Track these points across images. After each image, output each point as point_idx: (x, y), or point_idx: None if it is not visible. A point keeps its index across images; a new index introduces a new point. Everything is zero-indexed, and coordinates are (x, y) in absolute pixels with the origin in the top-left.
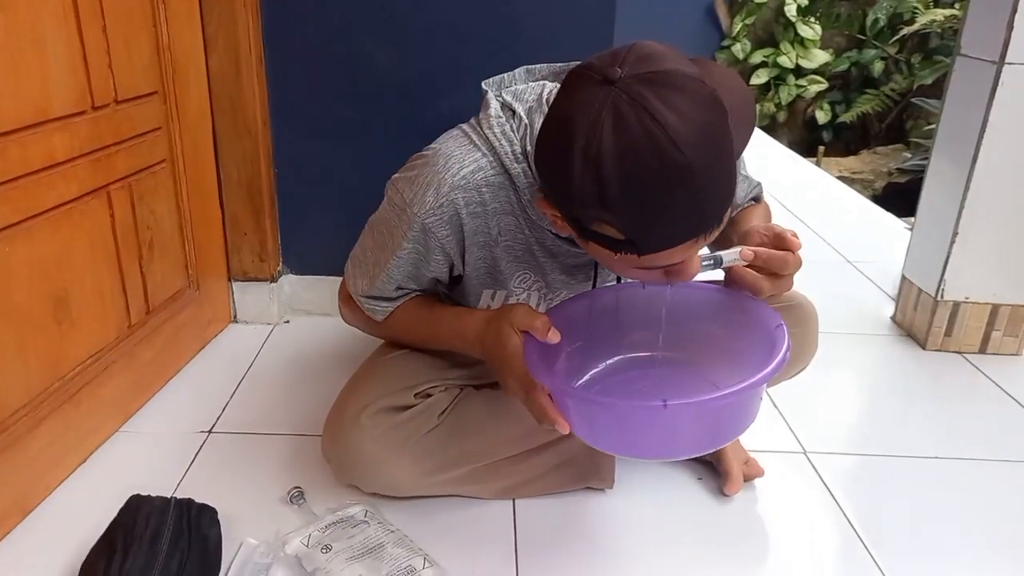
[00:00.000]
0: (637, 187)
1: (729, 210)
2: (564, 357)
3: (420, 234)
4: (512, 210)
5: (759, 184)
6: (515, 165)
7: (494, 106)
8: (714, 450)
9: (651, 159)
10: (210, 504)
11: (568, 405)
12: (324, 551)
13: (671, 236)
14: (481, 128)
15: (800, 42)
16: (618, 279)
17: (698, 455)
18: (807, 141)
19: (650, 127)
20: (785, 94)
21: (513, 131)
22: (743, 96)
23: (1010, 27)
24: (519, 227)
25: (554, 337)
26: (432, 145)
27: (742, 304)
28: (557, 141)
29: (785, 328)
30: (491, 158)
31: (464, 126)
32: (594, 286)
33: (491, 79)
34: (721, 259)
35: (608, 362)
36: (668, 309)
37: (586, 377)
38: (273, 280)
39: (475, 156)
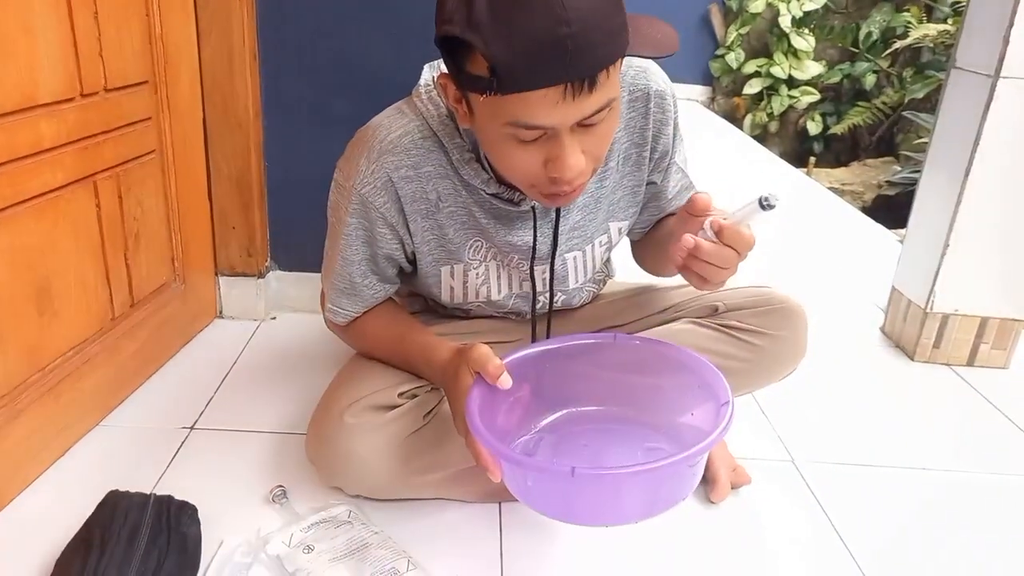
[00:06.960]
0: (501, 4)
1: (611, 68)
2: (515, 406)
3: (360, 207)
4: (446, 173)
5: (692, 186)
6: (442, 127)
7: (424, 76)
8: (636, 520)
9: None
10: (190, 501)
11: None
12: (306, 551)
13: (534, 71)
14: (411, 98)
15: (793, 53)
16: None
17: (620, 524)
18: (798, 151)
19: None
20: (777, 104)
21: (441, 97)
22: (667, 36)
23: (1006, 41)
24: (456, 190)
25: (505, 383)
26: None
27: (697, 370)
28: None
29: (732, 406)
30: (418, 122)
31: (399, 102)
32: (535, 235)
33: (434, 61)
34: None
35: (558, 414)
36: (623, 363)
37: (537, 428)
38: (260, 276)
39: (402, 122)
